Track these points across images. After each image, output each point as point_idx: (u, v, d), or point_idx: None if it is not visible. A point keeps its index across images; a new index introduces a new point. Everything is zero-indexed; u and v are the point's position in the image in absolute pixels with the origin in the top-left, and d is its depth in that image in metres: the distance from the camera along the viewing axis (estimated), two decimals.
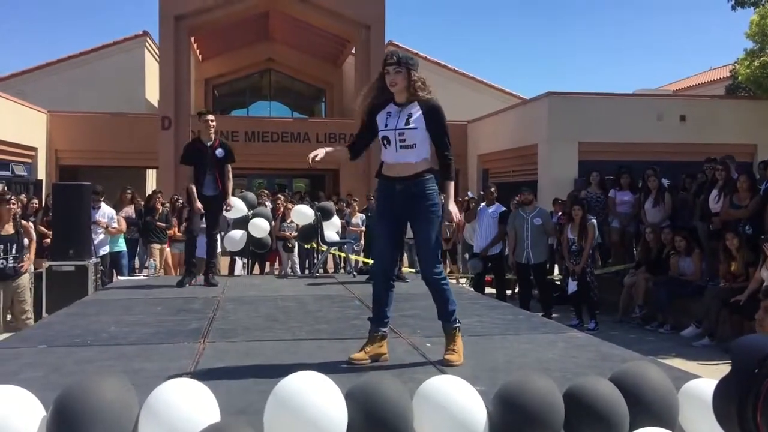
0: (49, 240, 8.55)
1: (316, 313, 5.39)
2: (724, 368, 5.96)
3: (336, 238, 8.97)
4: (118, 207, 10.41)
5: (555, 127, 15.83)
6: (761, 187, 8.10)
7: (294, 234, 10.77)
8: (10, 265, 7.14)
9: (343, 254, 11.10)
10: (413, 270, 9.99)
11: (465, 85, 24.11)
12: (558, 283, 10.38)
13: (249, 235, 8.73)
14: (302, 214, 8.67)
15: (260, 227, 8.65)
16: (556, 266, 10.68)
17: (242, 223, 8.75)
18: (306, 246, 10.70)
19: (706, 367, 6.44)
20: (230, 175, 6.95)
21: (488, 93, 24.47)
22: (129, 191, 10.82)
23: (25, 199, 10.54)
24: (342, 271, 11.39)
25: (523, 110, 18.15)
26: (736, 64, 18.17)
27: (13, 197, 7.46)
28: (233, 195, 7.33)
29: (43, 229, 9.01)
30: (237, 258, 10.70)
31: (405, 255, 11.13)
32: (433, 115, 3.59)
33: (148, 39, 22.74)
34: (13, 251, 7.16)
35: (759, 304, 6.86)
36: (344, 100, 25.45)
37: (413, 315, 5.17)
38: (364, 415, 2.46)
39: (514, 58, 72.38)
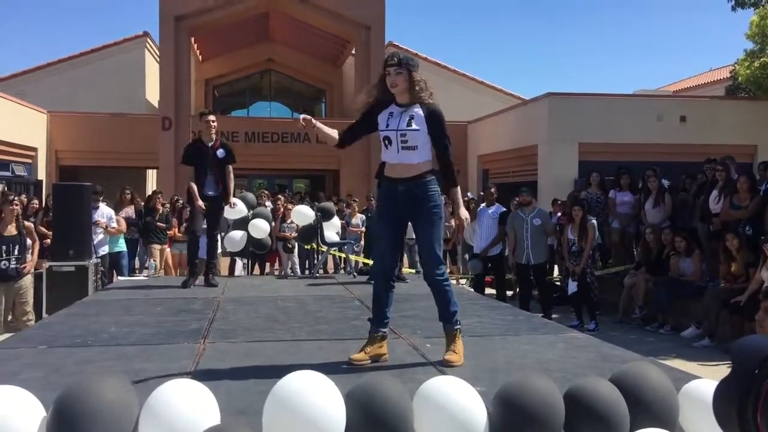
0: (49, 240, 8.55)
1: (316, 313, 5.39)
2: (724, 369, 5.96)
3: (336, 238, 8.97)
4: (117, 207, 10.42)
5: (555, 128, 15.83)
6: (761, 188, 8.11)
7: (294, 234, 10.78)
8: (12, 266, 7.12)
9: (343, 255, 11.10)
10: (413, 271, 9.99)
11: (465, 85, 24.12)
12: (558, 283, 10.38)
13: (249, 236, 8.73)
14: (302, 214, 8.67)
15: (260, 228, 8.65)
16: (556, 267, 10.68)
17: (242, 223, 8.74)
18: (306, 246, 10.70)
19: (706, 367, 6.44)
20: (231, 176, 6.95)
21: (488, 93, 24.49)
22: (128, 191, 10.82)
23: (26, 199, 10.54)
24: (342, 271, 11.39)
25: (523, 111, 18.16)
26: (736, 65, 18.17)
27: (16, 198, 7.44)
28: (233, 195, 7.33)
29: (43, 229, 9.01)
30: (237, 258, 10.70)
31: (405, 256, 11.15)
32: (434, 119, 3.59)
33: (149, 39, 22.75)
34: (16, 252, 7.14)
35: (759, 305, 6.86)
36: (344, 101, 25.45)
37: (413, 315, 5.17)
38: (365, 416, 2.46)
39: (514, 59, 72.46)
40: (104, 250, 9.23)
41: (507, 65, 70.44)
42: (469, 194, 13.41)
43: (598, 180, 10.36)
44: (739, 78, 17.64)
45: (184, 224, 10.43)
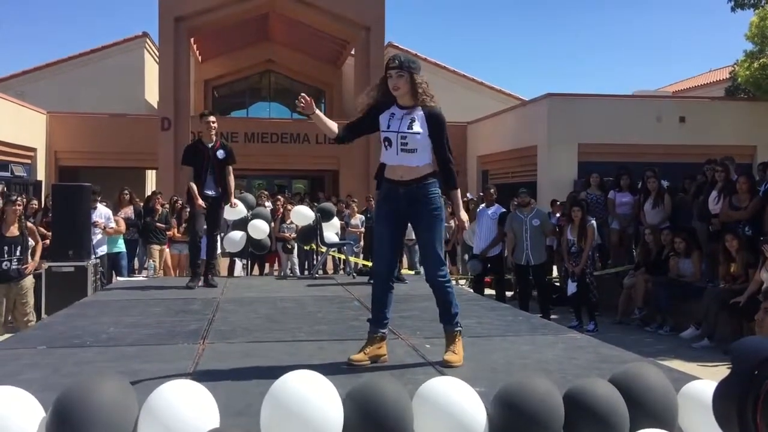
0: (48, 241, 8.55)
1: (315, 314, 5.39)
2: (723, 370, 5.97)
3: (335, 239, 8.97)
4: (116, 208, 10.41)
5: (554, 129, 15.85)
6: (760, 189, 8.11)
7: (293, 235, 10.78)
8: (14, 266, 7.12)
9: (342, 256, 11.10)
10: (413, 271, 9.99)
11: (464, 86, 24.14)
12: (557, 284, 10.38)
13: (248, 237, 8.73)
14: (302, 215, 8.67)
15: (260, 228, 8.65)
16: (555, 267, 10.68)
17: (242, 224, 8.74)
18: (305, 247, 10.70)
19: (706, 368, 6.45)
20: (232, 176, 6.96)
21: (488, 94, 24.50)
22: (126, 192, 10.81)
23: (25, 200, 10.54)
24: (341, 272, 11.39)
25: (522, 111, 18.17)
26: (735, 66, 18.19)
27: (18, 198, 7.43)
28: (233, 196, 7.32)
29: (42, 230, 9.01)
30: (236, 259, 10.69)
31: (404, 256, 11.14)
32: (435, 123, 3.59)
33: (148, 40, 22.76)
34: (17, 253, 7.13)
35: (758, 306, 6.87)
36: (344, 101, 25.47)
37: (413, 316, 5.17)
38: (364, 417, 2.46)
39: (514, 60, 72.48)
40: (102, 250, 9.23)
41: (506, 66, 70.53)
42: (468, 195, 13.40)
43: (597, 181, 10.36)
44: (739, 79, 17.66)
45: (184, 225, 10.44)
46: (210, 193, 6.76)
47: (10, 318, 7.50)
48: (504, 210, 9.34)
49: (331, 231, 8.80)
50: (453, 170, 3.68)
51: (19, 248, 7.15)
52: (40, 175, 18.20)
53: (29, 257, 7.34)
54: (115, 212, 10.14)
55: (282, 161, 21.15)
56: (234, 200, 7.07)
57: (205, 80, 26.68)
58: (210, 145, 6.78)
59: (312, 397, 2.40)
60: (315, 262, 10.13)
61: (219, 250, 8.17)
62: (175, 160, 16.65)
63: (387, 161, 3.67)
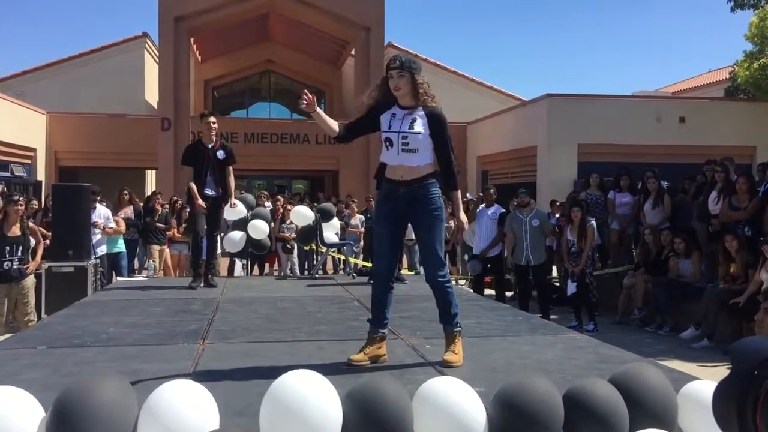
0: (48, 241, 8.54)
1: (315, 314, 5.39)
2: (723, 370, 5.97)
3: (335, 239, 8.97)
4: (116, 208, 10.40)
5: (554, 129, 15.85)
6: (760, 189, 8.11)
7: (293, 235, 10.78)
8: (15, 266, 7.12)
9: (342, 256, 11.10)
10: (412, 272, 9.98)
11: (464, 86, 24.15)
12: (557, 284, 10.39)
13: (248, 237, 8.73)
14: (301, 215, 8.67)
15: (259, 229, 8.65)
16: (554, 267, 10.68)
17: (241, 224, 8.74)
18: (305, 247, 10.70)
19: (706, 368, 6.45)
20: (232, 177, 6.96)
21: (487, 94, 24.51)
22: (126, 192, 10.80)
23: (25, 200, 10.54)
24: (341, 272, 11.39)
25: (522, 112, 18.17)
26: (735, 66, 18.19)
27: (21, 198, 7.42)
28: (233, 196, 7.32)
29: (43, 230, 9.01)
30: (236, 259, 10.69)
31: (404, 256, 11.14)
32: (437, 123, 3.59)
33: (148, 40, 22.76)
34: (19, 253, 7.13)
35: (758, 306, 6.87)
36: (344, 102, 25.48)
37: (412, 316, 5.17)
38: (364, 417, 2.46)
39: (514, 60, 72.48)
40: (102, 250, 9.22)
41: (506, 66, 70.53)
42: (468, 195, 13.40)
43: (597, 181, 10.36)
44: (739, 79, 17.65)
45: (183, 225, 10.44)
46: (210, 193, 6.76)
47: (11, 318, 7.50)
48: (504, 210, 9.34)
49: (331, 231, 8.80)
50: (454, 171, 3.68)
51: (20, 248, 7.14)
52: (40, 176, 18.19)
53: (30, 257, 7.34)
54: (115, 212, 10.14)
55: (282, 161, 21.16)
56: (234, 200, 7.06)
57: (205, 80, 26.68)
58: (210, 146, 6.78)
59: (311, 397, 2.41)
60: (315, 263, 10.13)
61: (219, 251, 8.17)
62: (174, 161, 16.65)
63: (388, 161, 3.67)
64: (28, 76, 22.06)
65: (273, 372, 2.69)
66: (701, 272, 8.53)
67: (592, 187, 10.34)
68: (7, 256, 7.04)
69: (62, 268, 7.74)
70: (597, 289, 8.89)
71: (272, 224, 9.99)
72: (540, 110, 16.48)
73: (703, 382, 2.89)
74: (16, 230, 7.13)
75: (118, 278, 9.12)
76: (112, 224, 9.47)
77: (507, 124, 18.58)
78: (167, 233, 10.60)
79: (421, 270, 8.77)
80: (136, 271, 10.77)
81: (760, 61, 16.65)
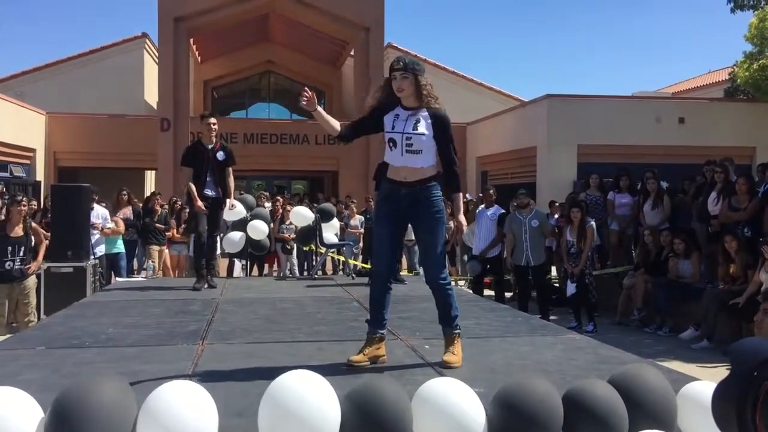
0: (47, 242, 8.54)
1: (314, 314, 5.39)
2: (722, 371, 5.97)
3: (335, 240, 8.97)
4: (115, 209, 10.39)
5: (554, 130, 15.85)
6: (760, 190, 8.11)
7: (293, 236, 10.77)
8: (17, 266, 7.12)
9: (342, 257, 11.10)
10: (412, 272, 9.98)
11: (464, 87, 24.16)
12: (556, 285, 10.38)
13: (248, 237, 8.72)
14: (301, 215, 8.67)
15: (259, 229, 8.65)
16: (554, 268, 10.68)
17: (241, 225, 8.74)
18: (305, 248, 10.70)
19: (705, 369, 6.45)
20: (231, 178, 6.95)
21: (487, 95, 24.51)
22: (125, 193, 10.78)
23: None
24: (341, 273, 11.39)
25: (522, 112, 18.18)
26: (735, 67, 18.20)
27: (24, 198, 7.42)
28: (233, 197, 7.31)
29: (42, 230, 9.00)
30: (236, 260, 10.69)
31: (404, 257, 11.14)
32: (441, 125, 3.60)
33: (147, 41, 22.76)
34: (21, 253, 7.13)
35: (758, 307, 6.86)
36: (343, 102, 25.48)
37: (412, 317, 5.17)
38: (364, 417, 2.46)
39: (513, 61, 72.51)
40: (101, 250, 9.22)
41: (506, 67, 70.54)
42: (468, 196, 13.40)
43: (596, 182, 10.37)
44: (738, 80, 17.66)
45: (183, 225, 10.44)
46: (210, 194, 6.75)
47: (12, 318, 7.50)
48: (503, 211, 9.34)
49: (330, 232, 8.80)
50: (457, 172, 3.69)
51: (23, 248, 7.15)
52: (39, 176, 18.18)
53: (32, 257, 7.34)
54: (114, 213, 10.13)
55: (281, 162, 21.16)
56: (232, 202, 7.04)
57: (204, 81, 26.68)
58: (210, 147, 6.78)
59: (309, 397, 2.41)
60: (314, 263, 10.13)
61: (218, 251, 8.16)
62: (174, 161, 16.65)
63: (391, 162, 3.66)
64: (27, 76, 22.06)
65: (272, 373, 2.69)
66: (701, 273, 8.53)
67: (592, 188, 10.35)
68: (9, 256, 7.04)
69: (61, 268, 7.74)
70: (596, 289, 8.89)
71: (271, 225, 9.99)
72: (539, 111, 16.48)
73: (702, 383, 2.88)
74: (18, 230, 7.13)
75: (118, 279, 9.12)
76: (110, 224, 9.47)
77: (506, 125, 18.58)
78: (166, 234, 10.60)
79: (421, 271, 8.76)
80: (136, 272, 10.76)
81: (760, 62, 16.65)
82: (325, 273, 11.48)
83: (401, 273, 8.11)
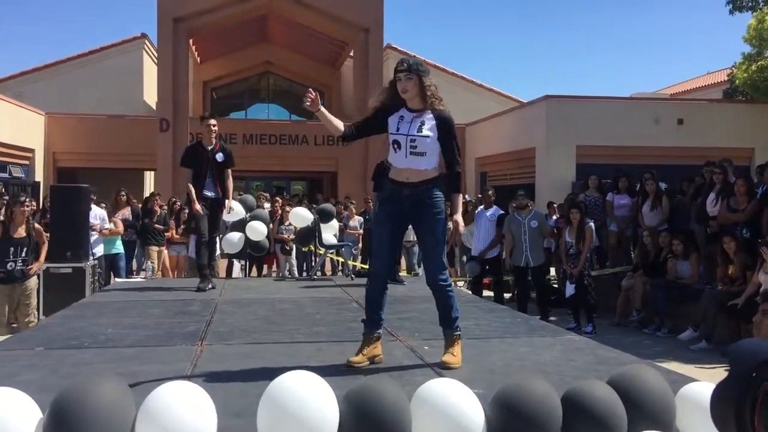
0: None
1: (313, 315, 5.39)
2: (721, 372, 5.97)
3: (334, 240, 8.97)
4: (113, 209, 10.38)
5: (553, 131, 15.86)
6: (758, 191, 8.12)
7: (292, 237, 10.77)
8: (18, 267, 7.11)
9: (340, 258, 11.10)
10: (410, 273, 9.98)
11: (463, 87, 24.16)
12: (555, 286, 10.39)
13: (247, 238, 8.72)
14: (300, 216, 8.67)
15: (257, 230, 8.65)
16: (552, 269, 10.68)
17: (240, 225, 8.74)
18: (304, 249, 10.70)
19: (704, 370, 6.45)
20: (230, 180, 6.95)
21: (486, 96, 24.52)
22: (123, 193, 10.76)
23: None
24: (340, 273, 11.38)
25: (520, 113, 18.19)
26: (733, 68, 18.21)
27: (27, 199, 7.41)
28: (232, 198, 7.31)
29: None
30: (235, 260, 10.69)
31: (403, 258, 11.14)
32: (445, 127, 3.60)
33: (147, 41, 22.75)
34: (23, 254, 7.13)
35: (756, 308, 6.86)
36: (343, 103, 25.48)
37: (411, 318, 5.17)
38: (362, 418, 2.46)
39: (512, 61, 72.54)
40: (99, 251, 9.21)
41: (505, 68, 70.57)
42: (467, 197, 13.40)
43: (595, 183, 10.38)
44: (737, 81, 17.67)
45: (182, 226, 10.43)
46: (209, 194, 6.75)
47: (12, 319, 7.49)
48: (502, 212, 9.35)
49: (329, 233, 8.80)
50: (459, 174, 3.70)
51: (25, 249, 7.14)
52: (38, 176, 18.17)
53: (34, 258, 7.33)
54: (113, 213, 10.12)
55: (280, 163, 21.15)
56: (230, 205, 7.03)
57: (203, 81, 26.67)
58: (210, 148, 6.78)
59: (308, 398, 2.41)
60: (313, 264, 10.13)
61: (218, 252, 8.15)
62: (173, 162, 16.64)
63: (395, 163, 3.66)
64: (26, 76, 22.05)
65: (271, 373, 2.69)
66: (699, 274, 8.53)
67: (591, 189, 10.36)
68: (12, 257, 7.04)
69: (60, 269, 7.73)
70: (595, 290, 8.89)
71: (271, 225, 9.99)
72: (538, 112, 16.49)
73: (701, 384, 2.89)
74: (21, 231, 7.13)
75: (117, 279, 9.12)
76: (108, 225, 9.46)
77: (506, 126, 18.59)
78: (165, 234, 10.59)
79: (420, 271, 8.74)
80: (135, 273, 10.76)
81: (759, 63, 16.66)
82: (324, 274, 11.48)
83: (400, 274, 8.11)
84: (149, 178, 22.17)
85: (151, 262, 10.23)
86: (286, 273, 11.09)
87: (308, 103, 3.59)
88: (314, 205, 10.96)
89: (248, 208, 8.91)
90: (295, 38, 23.95)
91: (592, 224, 8.77)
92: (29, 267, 7.20)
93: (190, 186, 6.68)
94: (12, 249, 7.03)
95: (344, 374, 3.35)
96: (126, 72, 21.98)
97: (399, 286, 6.97)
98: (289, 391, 2.43)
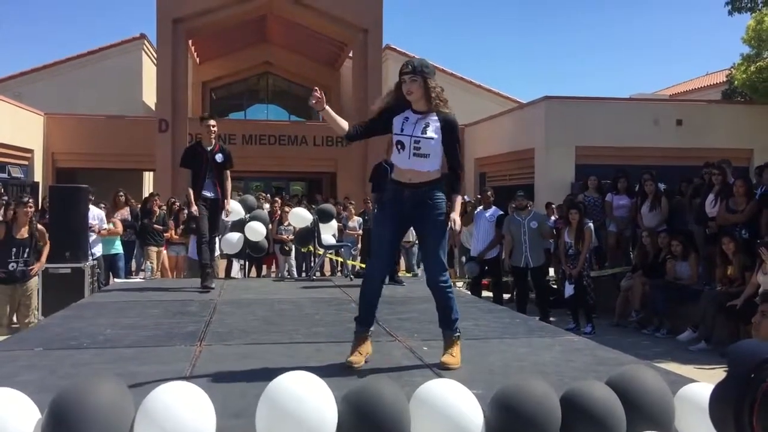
0: None
1: (312, 316, 5.39)
2: (720, 372, 5.97)
3: (333, 241, 8.97)
4: (112, 210, 10.38)
5: (552, 131, 15.86)
6: (757, 192, 8.13)
7: (291, 237, 10.77)
8: (20, 268, 7.11)
9: (340, 258, 11.10)
10: (409, 274, 9.99)
11: (462, 88, 24.16)
12: (554, 286, 10.39)
13: (246, 239, 8.71)
14: (299, 217, 8.66)
15: (256, 231, 8.64)
16: (551, 269, 10.69)
17: (239, 226, 8.74)
18: (303, 249, 10.70)
19: (703, 371, 6.45)
20: (229, 181, 6.95)
21: (485, 97, 24.53)
22: (121, 194, 10.76)
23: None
24: (339, 274, 11.38)
25: (520, 114, 18.19)
26: (732, 69, 18.22)
27: (30, 200, 7.41)
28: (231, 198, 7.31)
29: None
30: (234, 259, 10.68)
31: (402, 258, 11.14)
32: (449, 129, 3.60)
33: (146, 42, 22.75)
34: (25, 255, 7.13)
35: (755, 309, 6.85)
36: (342, 103, 25.48)
37: (410, 318, 5.17)
38: (361, 419, 2.46)
39: (512, 62, 72.59)
40: (98, 251, 9.21)
41: (504, 68, 70.62)
42: (466, 197, 13.41)
43: (595, 183, 10.38)
44: (736, 82, 17.68)
45: (181, 226, 10.43)
46: (209, 195, 6.75)
47: (13, 319, 7.49)
48: (501, 212, 9.35)
49: (329, 233, 8.80)
50: (461, 177, 3.72)
51: (27, 250, 7.15)
52: (37, 177, 18.16)
53: (36, 258, 7.33)
54: (112, 214, 10.12)
55: (280, 163, 21.15)
56: (228, 208, 7.03)
57: (202, 82, 26.66)
58: (209, 149, 6.78)
59: (307, 398, 2.41)
60: (312, 264, 10.13)
61: (217, 252, 8.15)
62: (172, 162, 16.63)
63: (398, 164, 3.67)
64: (25, 77, 22.04)
65: (270, 374, 2.68)
66: (698, 275, 8.54)
67: (590, 190, 10.36)
68: (14, 257, 7.04)
69: (59, 269, 7.73)
70: (594, 291, 8.90)
71: (270, 226, 9.99)
72: (538, 113, 16.49)
73: (700, 385, 2.89)
74: (24, 232, 7.14)
75: (116, 280, 9.11)
76: (106, 225, 9.46)
77: (505, 127, 18.59)
78: (165, 235, 10.58)
79: (419, 272, 8.75)
80: (134, 273, 10.75)
81: (757, 64, 16.67)
82: (323, 274, 11.49)
83: (399, 274, 8.11)
84: (148, 178, 22.17)
85: (150, 263, 10.23)
86: (285, 273, 11.09)
87: (314, 102, 3.58)
88: (313, 206, 10.95)
89: (248, 208, 8.90)
90: (294, 39, 23.96)
91: (591, 225, 8.78)
92: (30, 267, 7.20)
93: (190, 189, 6.69)
94: (14, 250, 7.04)
95: (343, 375, 3.35)
96: (125, 72, 21.98)
97: (398, 287, 6.97)
98: (288, 392, 2.43)
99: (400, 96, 3.63)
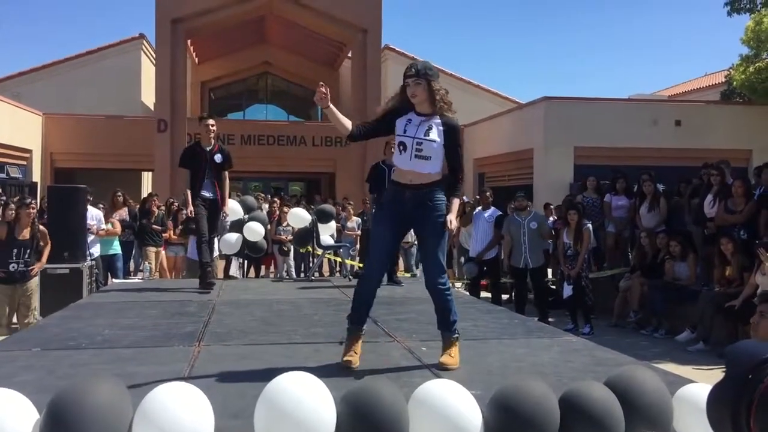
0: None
1: (311, 316, 5.39)
2: (718, 373, 5.96)
3: (331, 241, 8.97)
4: (110, 210, 10.37)
5: (551, 132, 15.87)
6: (756, 193, 8.14)
7: (289, 237, 10.77)
8: (20, 268, 7.11)
9: (338, 259, 11.10)
10: (408, 274, 9.98)
11: (461, 89, 24.13)
12: (553, 287, 10.39)
13: (244, 239, 8.71)
14: (298, 217, 8.66)
15: (255, 231, 8.64)
16: (549, 270, 10.69)
17: (238, 226, 8.73)
18: (301, 250, 10.69)
19: (701, 371, 6.46)
20: (227, 181, 6.95)
21: (484, 97, 24.53)
22: (119, 194, 10.75)
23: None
24: (337, 274, 11.38)
25: (518, 115, 18.20)
26: (731, 70, 18.23)
27: (32, 201, 7.41)
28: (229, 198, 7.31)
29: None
30: (233, 258, 10.68)
31: (401, 259, 11.14)
32: (452, 133, 3.62)
33: (145, 42, 22.74)
34: (26, 256, 7.13)
35: (754, 309, 6.86)
36: (341, 104, 25.46)
37: (409, 319, 5.17)
38: (360, 419, 2.46)
39: (511, 63, 72.62)
40: (96, 251, 9.20)
41: (503, 69, 70.65)
42: (464, 198, 13.41)
43: (593, 184, 10.39)
44: (734, 83, 17.69)
45: (180, 227, 10.42)
46: (208, 195, 6.75)
47: (13, 319, 7.48)
48: (500, 213, 9.35)
49: (327, 233, 8.80)
50: (460, 181, 3.73)
51: (28, 251, 7.15)
52: (36, 177, 18.15)
53: (36, 259, 7.32)
54: (110, 214, 10.11)
55: (278, 163, 21.16)
56: (226, 210, 7.03)
57: (201, 82, 26.66)
58: (208, 149, 6.77)
59: (305, 399, 2.41)
60: (311, 265, 10.13)
61: (216, 253, 8.14)
62: (171, 162, 16.61)
63: (399, 165, 3.67)
64: (24, 77, 22.02)
65: (269, 374, 2.68)
66: (697, 275, 8.54)
67: (589, 190, 10.37)
68: (15, 258, 7.04)
69: (57, 269, 7.72)
70: (593, 292, 8.89)
71: (268, 226, 9.99)
72: (537, 113, 16.49)
73: (698, 385, 2.89)
74: (26, 233, 7.14)
75: (114, 280, 9.11)
76: (104, 226, 9.45)
77: (504, 127, 18.60)
78: (163, 235, 10.57)
79: (418, 273, 8.76)
80: (132, 273, 10.75)
81: (756, 64, 16.68)
82: (321, 275, 11.48)
83: (398, 275, 8.11)
84: (147, 178, 22.15)
85: (149, 263, 10.22)
86: (284, 274, 11.09)
87: (318, 98, 3.56)
88: (312, 206, 10.95)
89: (248, 208, 8.90)
90: (294, 39, 23.95)
91: (589, 225, 8.78)
92: (31, 268, 7.20)
93: (188, 190, 6.68)
94: (16, 250, 7.04)
95: (342, 375, 3.35)
96: (124, 72, 21.96)
97: (397, 288, 6.97)
98: (286, 392, 2.43)
99: (404, 99, 3.64)
